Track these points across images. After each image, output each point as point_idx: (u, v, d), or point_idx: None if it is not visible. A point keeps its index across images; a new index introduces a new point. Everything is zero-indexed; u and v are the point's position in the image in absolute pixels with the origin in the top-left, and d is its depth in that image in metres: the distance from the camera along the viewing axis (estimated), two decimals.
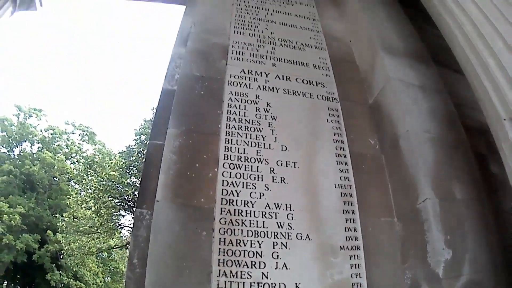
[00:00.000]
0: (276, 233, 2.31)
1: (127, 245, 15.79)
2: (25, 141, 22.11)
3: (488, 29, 2.14)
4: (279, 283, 2.16)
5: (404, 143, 2.68)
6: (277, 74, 3.14)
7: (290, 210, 2.42)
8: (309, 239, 2.35)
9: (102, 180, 13.84)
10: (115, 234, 15.89)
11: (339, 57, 3.55)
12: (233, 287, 2.09)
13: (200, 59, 3.04)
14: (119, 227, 15.68)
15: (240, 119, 2.74)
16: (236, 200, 2.36)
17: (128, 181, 14.34)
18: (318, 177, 2.64)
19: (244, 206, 2.36)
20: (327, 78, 3.29)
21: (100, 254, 18.11)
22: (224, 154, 2.53)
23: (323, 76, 3.30)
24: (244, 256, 2.18)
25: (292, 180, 2.56)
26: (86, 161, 16.00)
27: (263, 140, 2.68)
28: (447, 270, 2.14)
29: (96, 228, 14.57)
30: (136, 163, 14.29)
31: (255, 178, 2.49)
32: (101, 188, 13.66)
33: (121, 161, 14.61)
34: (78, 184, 16.36)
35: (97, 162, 15.49)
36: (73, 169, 19.61)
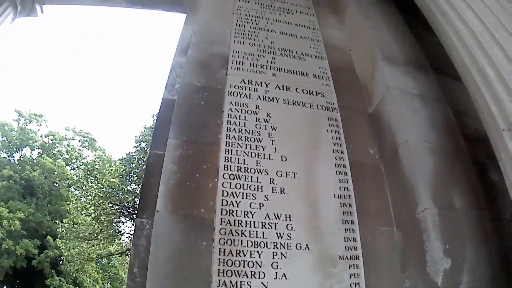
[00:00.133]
0: (275, 244, 2.31)
1: (127, 252, 15.75)
2: (25, 147, 22.22)
3: (487, 39, 2.15)
4: None
5: (403, 153, 2.69)
6: (277, 84, 3.14)
7: (290, 220, 2.42)
8: (308, 249, 2.34)
9: (102, 186, 13.85)
10: (115, 240, 15.84)
11: (339, 66, 3.54)
12: None
13: (201, 68, 3.05)
14: (119, 233, 15.61)
15: (240, 130, 2.74)
16: (236, 211, 2.36)
17: (128, 188, 14.34)
18: (318, 187, 2.65)
19: (244, 216, 2.36)
20: (327, 88, 3.30)
21: (100, 260, 18.08)
22: (224, 165, 2.53)
23: (323, 86, 3.30)
24: (244, 266, 2.18)
25: (292, 191, 2.56)
26: (86, 167, 16.01)
27: (263, 150, 2.69)
28: (446, 279, 2.14)
29: (96, 235, 14.52)
30: (137, 170, 14.31)
31: (255, 188, 2.49)
32: (101, 194, 13.66)
33: (121, 168, 14.65)
34: (78, 190, 16.37)
35: (97, 168, 15.50)
36: (73, 175, 19.69)
